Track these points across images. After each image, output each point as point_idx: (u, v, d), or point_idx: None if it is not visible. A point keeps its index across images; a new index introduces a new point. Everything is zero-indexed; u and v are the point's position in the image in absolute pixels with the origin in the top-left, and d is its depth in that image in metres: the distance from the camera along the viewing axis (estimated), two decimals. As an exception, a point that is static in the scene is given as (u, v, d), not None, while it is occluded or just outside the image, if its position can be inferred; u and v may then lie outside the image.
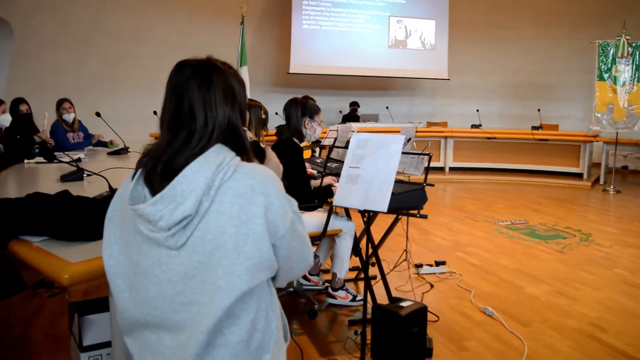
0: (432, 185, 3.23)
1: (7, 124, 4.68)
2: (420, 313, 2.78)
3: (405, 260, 4.16)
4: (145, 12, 8.81)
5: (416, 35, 10.77)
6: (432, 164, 9.77)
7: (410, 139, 3.77)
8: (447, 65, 10.95)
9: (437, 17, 10.77)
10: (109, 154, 5.37)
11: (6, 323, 3.38)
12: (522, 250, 4.94)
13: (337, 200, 2.19)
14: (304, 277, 3.90)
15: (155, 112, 6.62)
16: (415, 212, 2.60)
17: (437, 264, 4.42)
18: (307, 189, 3.34)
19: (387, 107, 10.64)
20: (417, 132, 9.42)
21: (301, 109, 3.58)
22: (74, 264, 1.72)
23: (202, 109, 1.23)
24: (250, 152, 1.33)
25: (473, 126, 10.04)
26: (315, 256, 3.92)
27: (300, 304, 3.67)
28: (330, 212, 3.36)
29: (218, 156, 1.19)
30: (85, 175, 3.70)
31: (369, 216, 3.39)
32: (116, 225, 1.28)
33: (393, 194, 3.13)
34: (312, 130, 3.56)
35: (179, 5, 9.21)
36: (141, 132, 7.22)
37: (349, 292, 3.67)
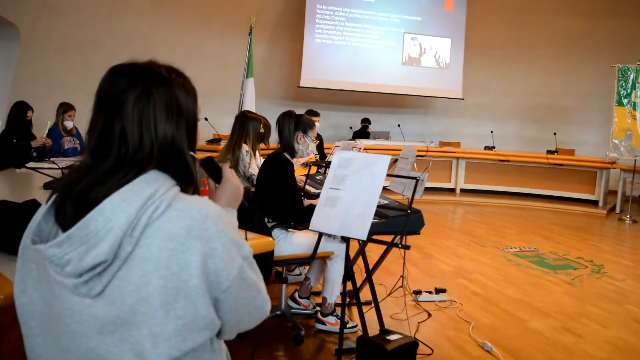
0: (418, 211, 3.02)
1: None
2: (409, 348, 2.57)
3: (401, 286, 3.94)
4: (155, 19, 8.76)
5: (431, 53, 10.59)
6: (443, 185, 9.63)
7: (396, 159, 3.57)
8: (461, 84, 10.74)
9: (452, 36, 10.59)
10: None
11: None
12: (528, 280, 4.69)
13: (314, 224, 1.99)
14: (293, 300, 3.70)
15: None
16: (398, 241, 2.39)
17: (437, 291, 4.19)
18: (296, 206, 3.15)
19: (398, 125, 10.45)
20: (428, 152, 9.27)
21: (294, 123, 3.40)
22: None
23: (138, 129, 1.02)
24: (197, 183, 1.11)
25: (486, 148, 9.80)
26: (306, 278, 3.72)
27: (287, 328, 3.47)
28: (320, 234, 3.17)
29: (148, 187, 0.98)
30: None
31: (364, 240, 3.21)
32: (31, 256, 1.04)
33: (386, 217, 2.95)
34: (305, 145, 3.38)
35: (190, 14, 9.15)
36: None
37: (339, 319, 3.46)
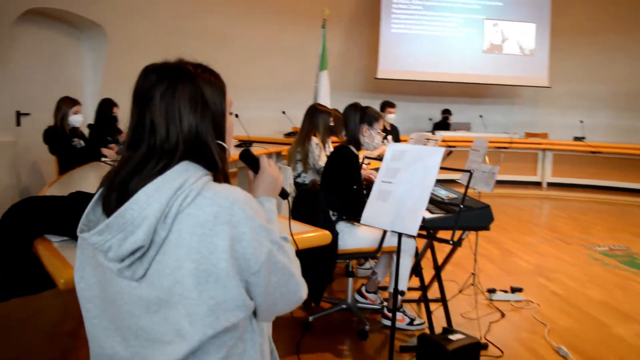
0: (486, 205, 2.86)
1: (78, 125, 4.86)
2: (472, 349, 2.46)
3: (472, 284, 3.79)
4: (234, 15, 8.96)
5: (513, 39, 10.10)
6: (528, 179, 9.19)
7: (450, 151, 3.42)
8: (547, 72, 10.16)
9: (537, 21, 10.03)
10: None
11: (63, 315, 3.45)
12: (615, 282, 4.36)
13: (365, 218, 1.95)
14: (360, 294, 3.66)
15: (237, 115, 6.66)
16: (456, 238, 2.28)
17: (513, 290, 3.99)
18: (360, 199, 3.10)
19: (480, 116, 10.08)
20: (512, 143, 8.88)
21: (360, 115, 3.35)
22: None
23: (164, 120, 1.08)
24: (226, 171, 1.16)
25: (575, 139, 9.24)
26: (373, 273, 3.67)
27: (353, 322, 3.44)
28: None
29: (179, 177, 1.03)
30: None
31: (428, 234, 3.12)
32: (87, 244, 1.12)
33: (453, 211, 2.83)
34: (371, 138, 3.32)
35: (267, 8, 9.28)
36: (224, 134, 7.30)
37: (406, 315, 3.39)
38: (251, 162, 1.35)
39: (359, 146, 3.32)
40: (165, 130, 1.07)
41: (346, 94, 10.40)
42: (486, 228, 2.89)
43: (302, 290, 1.20)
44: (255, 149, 5.53)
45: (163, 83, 1.09)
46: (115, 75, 7.28)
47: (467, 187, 2.33)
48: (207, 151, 1.11)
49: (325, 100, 7.08)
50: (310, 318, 3.36)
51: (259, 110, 9.17)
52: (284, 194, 1.44)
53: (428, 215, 2.90)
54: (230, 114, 1.23)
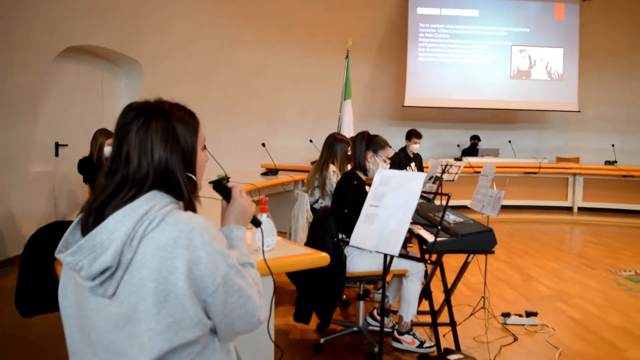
0: (489, 229, 2.93)
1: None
2: (470, 369, 2.51)
3: (482, 307, 3.81)
4: (265, 49, 9.26)
5: (541, 64, 10.08)
6: (558, 204, 9.07)
7: (432, 177, 3.49)
8: (577, 96, 10.07)
9: (565, 45, 10.00)
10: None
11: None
12: (636, 306, 4.29)
13: (353, 240, 2.06)
14: (372, 317, 3.74)
15: (263, 144, 6.88)
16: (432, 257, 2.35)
17: (528, 314, 3.99)
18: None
19: (509, 142, 10.05)
20: (540, 168, 8.83)
21: (366, 143, 3.49)
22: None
23: (137, 152, 1.21)
24: (192, 200, 1.27)
25: (607, 162, 9.10)
26: (384, 296, 3.74)
27: (364, 344, 3.51)
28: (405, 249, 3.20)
29: (146, 204, 1.15)
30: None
31: (437, 257, 3.20)
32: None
33: (457, 235, 2.92)
34: (375, 165, 3.45)
35: (297, 41, 9.55)
36: (253, 162, 7.51)
37: (415, 338, 3.44)
38: (223, 192, 1.47)
39: (365, 172, 3.45)
40: (138, 161, 1.20)
41: (374, 123, 10.56)
42: (489, 251, 2.95)
43: (259, 312, 1.26)
44: (232, 182, 5.69)
45: (140, 119, 1.23)
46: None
47: (445, 208, 2.42)
48: (175, 182, 1.23)
49: (349, 128, 7.24)
50: (322, 340, 3.46)
51: (288, 139, 9.41)
52: (255, 222, 1.55)
53: (431, 239, 2.99)
54: (204, 148, 1.36)
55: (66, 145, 6.04)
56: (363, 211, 2.07)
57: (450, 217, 3.34)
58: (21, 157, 5.46)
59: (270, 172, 6.73)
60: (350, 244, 2.03)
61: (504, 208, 8.77)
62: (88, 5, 5.97)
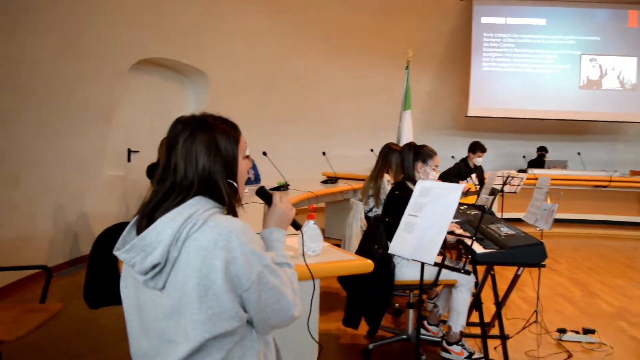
0: (540, 242, 2.89)
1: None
2: (513, 381, 2.50)
3: (535, 322, 3.74)
4: (323, 58, 9.44)
5: (613, 74, 9.68)
6: (630, 219, 8.65)
7: (469, 190, 3.45)
8: (652, 106, 9.61)
9: (639, 54, 9.56)
10: (271, 189, 5.84)
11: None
12: None
13: (392, 248, 2.12)
14: (422, 327, 3.76)
15: (324, 153, 7.02)
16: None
17: (585, 331, 3.88)
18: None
19: (578, 153, 9.71)
20: (611, 182, 8.47)
21: (414, 153, 3.54)
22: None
23: (184, 162, 1.33)
24: (232, 204, 1.38)
25: (685, 177, 8.62)
26: (435, 306, 3.77)
27: (411, 352, 3.54)
28: (442, 261, 3.21)
29: (191, 209, 1.28)
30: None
31: (486, 269, 3.20)
32: None
33: (506, 247, 2.91)
34: (425, 174, 3.48)
35: (356, 50, 9.67)
36: (312, 170, 7.65)
37: (464, 349, 3.44)
38: (265, 197, 1.59)
39: (414, 182, 3.49)
40: (184, 170, 1.33)
41: (437, 133, 10.50)
42: (539, 265, 2.92)
43: (292, 309, 1.36)
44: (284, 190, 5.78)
45: (186, 131, 1.36)
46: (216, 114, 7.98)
47: (479, 222, 2.43)
48: (217, 188, 1.35)
49: (409, 139, 7.24)
50: (371, 345, 3.52)
51: (348, 149, 9.51)
52: (295, 225, 1.66)
53: (480, 250, 2.99)
54: (246, 156, 1.48)
55: (137, 151, 6.42)
56: (403, 220, 2.14)
57: (502, 230, 3.32)
58: (95, 162, 5.86)
59: (330, 180, 6.84)
60: (389, 251, 2.10)
61: (571, 222, 8.59)
62: (155, 20, 6.34)
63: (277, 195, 1.58)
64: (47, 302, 2.97)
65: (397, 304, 4.34)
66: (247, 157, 1.49)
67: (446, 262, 3.24)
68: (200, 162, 1.34)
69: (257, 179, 6.61)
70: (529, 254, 2.89)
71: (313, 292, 1.81)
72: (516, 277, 3.39)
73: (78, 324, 3.93)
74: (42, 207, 5.12)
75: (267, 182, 6.17)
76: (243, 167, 1.45)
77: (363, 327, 3.77)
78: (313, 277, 1.79)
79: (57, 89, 5.12)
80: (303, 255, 1.83)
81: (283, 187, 5.82)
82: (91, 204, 5.71)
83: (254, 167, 6.68)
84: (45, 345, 3.57)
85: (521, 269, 3.27)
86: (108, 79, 5.82)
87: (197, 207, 1.29)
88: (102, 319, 3.86)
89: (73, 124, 5.44)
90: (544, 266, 3.06)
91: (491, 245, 3.08)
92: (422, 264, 1.94)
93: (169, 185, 1.34)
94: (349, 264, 2.44)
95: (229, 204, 1.38)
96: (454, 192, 1.97)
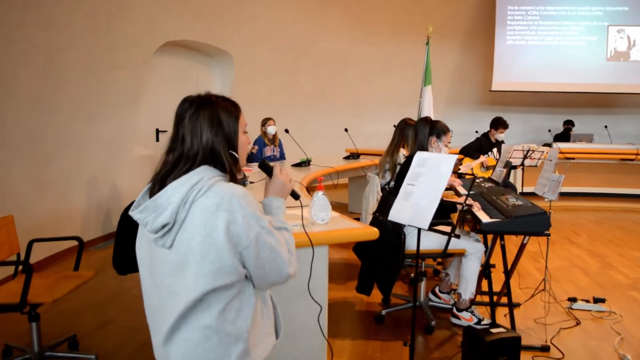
0: (543, 212, 2.99)
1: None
2: (512, 342, 2.64)
3: (543, 290, 3.85)
4: (350, 37, 9.49)
5: (642, 45, 9.49)
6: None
7: (462, 159, 3.52)
8: (682, 78, 9.37)
9: (669, 24, 9.33)
10: (293, 165, 6.03)
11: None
12: None
13: (391, 215, 2.26)
14: (434, 294, 3.92)
15: (346, 130, 7.15)
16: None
17: (596, 300, 3.98)
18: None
19: (605, 127, 9.59)
20: (638, 154, 8.36)
21: (429, 128, 3.65)
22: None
23: (190, 135, 1.50)
24: (233, 173, 1.54)
25: None
26: (446, 274, 3.91)
27: (422, 318, 3.69)
28: (452, 230, 3.31)
29: (197, 176, 1.44)
30: (247, 182, 4.32)
31: (493, 237, 3.32)
32: None
33: (511, 216, 3.03)
34: (438, 149, 3.60)
35: (382, 29, 9.69)
36: (339, 147, 7.78)
37: (474, 315, 3.58)
38: (266, 170, 1.75)
39: (426, 156, 3.61)
40: (190, 142, 1.50)
41: (463, 108, 10.48)
42: (542, 234, 3.03)
43: (287, 268, 1.52)
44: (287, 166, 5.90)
45: (192, 108, 1.53)
46: (242, 96, 8.13)
47: (469, 190, 2.54)
48: (220, 158, 1.52)
49: (429, 114, 7.28)
50: (383, 312, 3.70)
51: (374, 125, 9.61)
52: (294, 195, 1.82)
53: (486, 219, 3.12)
54: (246, 132, 1.64)
55: (165, 131, 6.66)
56: (402, 189, 2.27)
57: (511, 200, 3.43)
58: (126, 143, 6.13)
59: (352, 156, 6.98)
60: (388, 218, 2.25)
61: (595, 196, 8.52)
62: (181, 2, 6.51)
63: (277, 168, 1.74)
64: (80, 271, 3.22)
65: (412, 274, 4.49)
66: (246, 132, 1.65)
67: (456, 232, 3.39)
68: (204, 135, 1.50)
69: (282, 156, 6.80)
70: (533, 223, 3.00)
71: (312, 257, 1.98)
72: (522, 246, 3.50)
73: (111, 293, 4.22)
74: (76, 185, 5.43)
75: (291, 159, 6.36)
76: (243, 140, 1.61)
77: (379, 296, 3.95)
78: (312, 244, 1.95)
79: (89, 73, 5.37)
80: (302, 223, 1.99)
81: (304, 163, 5.99)
82: (122, 182, 6.00)
83: (280, 146, 6.88)
84: (81, 310, 3.87)
85: (527, 237, 3.37)
86: (136, 62, 6.05)
87: (203, 175, 1.45)
88: (133, 288, 4.14)
89: (104, 106, 5.70)
90: (548, 235, 3.17)
91: (498, 215, 3.20)
92: (419, 231, 2.08)
93: (177, 156, 1.51)
94: (355, 232, 2.61)
95: (230, 172, 1.54)
96: (446, 162, 2.10)
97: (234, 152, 1.56)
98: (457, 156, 2.13)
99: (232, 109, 1.58)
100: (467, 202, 3.39)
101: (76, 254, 3.29)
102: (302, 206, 1.93)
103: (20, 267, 3.06)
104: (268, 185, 1.74)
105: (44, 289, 2.87)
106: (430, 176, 2.13)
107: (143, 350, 3.18)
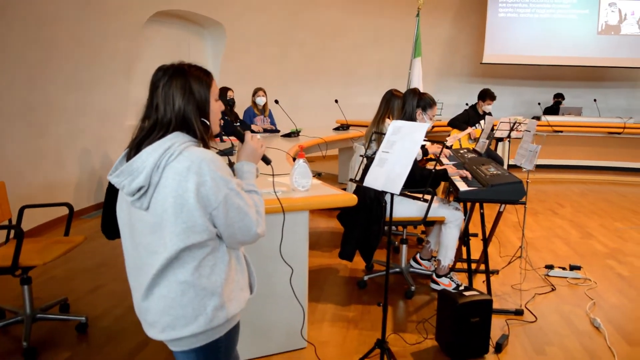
0: (519, 181, 3.10)
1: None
2: (483, 305, 2.76)
3: (520, 257, 3.98)
4: (342, 9, 9.45)
5: (633, 19, 9.45)
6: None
7: (433, 127, 3.61)
8: (673, 52, 9.41)
9: (661, -3, 9.32)
10: (282, 136, 6.10)
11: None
12: (692, 267, 4.27)
13: (366, 181, 2.35)
14: (415, 261, 4.04)
15: (336, 101, 7.18)
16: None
17: (572, 268, 4.12)
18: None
19: (594, 100, 9.66)
20: (625, 128, 8.47)
21: (417, 99, 3.74)
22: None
23: (163, 103, 1.56)
24: (204, 139, 1.61)
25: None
26: (427, 242, 4.03)
27: (403, 284, 3.83)
28: (431, 199, 3.41)
29: (169, 142, 1.51)
30: (234, 152, 4.40)
31: (471, 205, 3.44)
32: None
33: (487, 185, 3.13)
34: (423, 121, 3.68)
35: (376, 1, 9.64)
36: (330, 119, 7.81)
37: (452, 281, 3.71)
38: (238, 135, 1.83)
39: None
40: (164, 110, 1.56)
41: (454, 80, 10.52)
42: (517, 202, 3.14)
43: (255, 228, 1.61)
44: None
45: (165, 77, 1.59)
46: (233, 66, 8.18)
47: (437, 158, 2.63)
48: (191, 125, 1.59)
49: (418, 86, 7.34)
50: (366, 277, 3.84)
51: (365, 97, 9.62)
52: (266, 160, 1.90)
53: (463, 188, 3.23)
54: (218, 99, 1.69)
55: (156, 101, 6.69)
56: (377, 156, 2.36)
57: (491, 170, 3.53)
58: (118, 113, 6.17)
59: (342, 127, 7.04)
60: (364, 184, 2.34)
61: (582, 169, 8.65)
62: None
63: (248, 134, 1.81)
64: (70, 236, 3.32)
65: (396, 242, 4.61)
66: (218, 99, 1.71)
67: (435, 199, 3.50)
68: (177, 103, 1.57)
69: (273, 126, 6.86)
70: (508, 191, 3.11)
71: (283, 222, 2.09)
72: (499, 214, 3.61)
73: (102, 259, 4.33)
74: (68, 155, 5.49)
75: (282, 130, 6.43)
76: (215, 108, 1.68)
77: (363, 263, 4.08)
78: (283, 210, 2.06)
79: (81, 44, 5.39)
80: (274, 189, 2.08)
81: (294, 134, 6.06)
82: (114, 152, 6.07)
83: (270, 116, 6.93)
84: (73, 276, 3.98)
85: (503, 206, 3.49)
86: (128, 32, 6.05)
87: (175, 140, 1.53)
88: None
89: (97, 77, 5.73)
90: (524, 203, 3.29)
91: (476, 184, 3.31)
92: (391, 197, 2.17)
93: (152, 123, 1.58)
94: (334, 198, 2.71)
95: (202, 138, 1.62)
96: (419, 130, 2.18)
97: (205, 120, 1.63)
98: (430, 124, 2.22)
99: (204, 77, 1.64)
100: (462, 174, 3.49)
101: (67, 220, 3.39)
102: (273, 174, 2.01)
103: (12, 233, 3.15)
104: (240, 150, 1.82)
105: (35, 252, 2.96)
106: (404, 143, 2.21)
107: (132, 312, 3.28)
